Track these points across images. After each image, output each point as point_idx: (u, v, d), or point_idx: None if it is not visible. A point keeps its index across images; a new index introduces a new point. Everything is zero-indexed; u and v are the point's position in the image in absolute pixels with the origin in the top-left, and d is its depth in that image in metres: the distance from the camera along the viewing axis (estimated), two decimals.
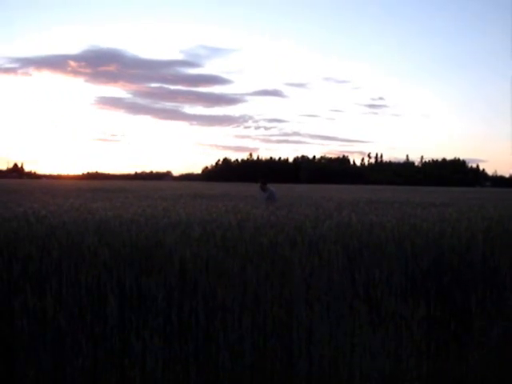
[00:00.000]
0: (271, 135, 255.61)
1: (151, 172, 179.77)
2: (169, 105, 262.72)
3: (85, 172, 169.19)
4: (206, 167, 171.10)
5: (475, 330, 5.29)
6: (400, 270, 5.61)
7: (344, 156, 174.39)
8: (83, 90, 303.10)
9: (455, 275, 5.82)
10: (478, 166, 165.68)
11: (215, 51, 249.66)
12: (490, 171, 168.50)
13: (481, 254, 6.26)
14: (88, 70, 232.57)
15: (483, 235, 6.75)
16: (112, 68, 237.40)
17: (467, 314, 5.46)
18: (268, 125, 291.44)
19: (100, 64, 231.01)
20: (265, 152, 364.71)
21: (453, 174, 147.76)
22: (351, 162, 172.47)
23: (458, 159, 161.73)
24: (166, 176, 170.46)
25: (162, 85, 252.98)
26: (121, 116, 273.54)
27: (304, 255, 5.46)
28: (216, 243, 5.67)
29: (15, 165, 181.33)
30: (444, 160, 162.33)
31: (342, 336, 4.90)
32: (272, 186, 14.57)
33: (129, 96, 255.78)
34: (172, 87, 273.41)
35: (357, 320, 4.99)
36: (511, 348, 5.18)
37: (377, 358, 4.83)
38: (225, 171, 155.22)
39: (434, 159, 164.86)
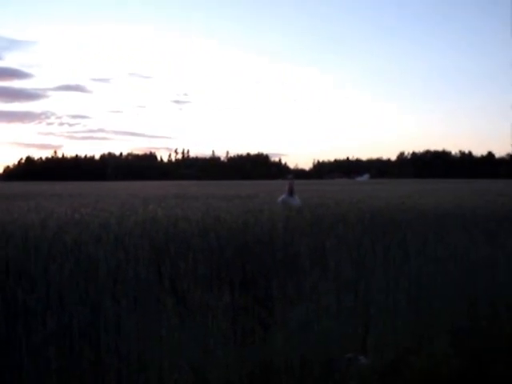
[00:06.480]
0: (76, 132, 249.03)
1: None
2: None
3: None
4: (8, 166, 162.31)
5: (277, 314, 5.55)
6: (205, 261, 5.74)
7: (151, 152, 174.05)
8: None
9: (258, 263, 6.07)
10: (280, 160, 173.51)
11: (13, 43, 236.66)
12: (291, 165, 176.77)
13: (282, 242, 6.59)
14: None
15: (284, 224, 7.12)
16: None
17: (270, 299, 5.71)
18: (72, 121, 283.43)
19: None
20: (70, 149, 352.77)
21: (257, 167, 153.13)
22: (158, 159, 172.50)
23: (262, 153, 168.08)
24: None
25: None
26: None
27: (109, 251, 5.40)
28: (16, 244, 5.43)
29: None
30: (248, 154, 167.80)
31: (150, 330, 4.91)
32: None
33: None
34: None
35: (164, 313, 5.02)
36: (311, 327, 5.49)
37: (185, 349, 4.89)
38: (28, 170, 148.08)
39: (239, 154, 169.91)
